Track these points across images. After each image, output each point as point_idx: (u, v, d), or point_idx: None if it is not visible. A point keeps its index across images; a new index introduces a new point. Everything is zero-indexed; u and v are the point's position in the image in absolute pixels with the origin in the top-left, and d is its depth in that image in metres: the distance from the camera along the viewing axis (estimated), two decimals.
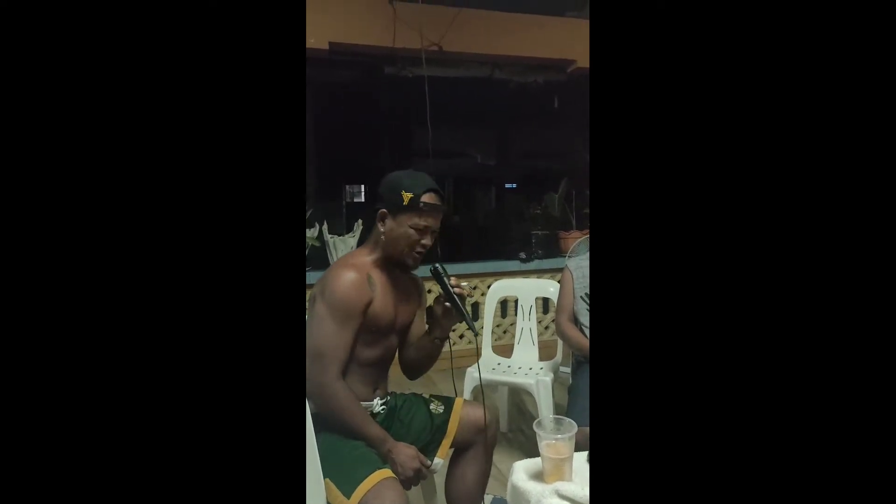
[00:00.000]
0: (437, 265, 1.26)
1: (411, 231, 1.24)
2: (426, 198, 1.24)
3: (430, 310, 1.34)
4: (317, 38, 2.97)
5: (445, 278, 1.25)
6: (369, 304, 1.24)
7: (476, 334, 1.31)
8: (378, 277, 1.28)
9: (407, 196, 1.22)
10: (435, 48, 3.14)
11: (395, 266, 1.30)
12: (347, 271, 1.24)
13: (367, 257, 1.30)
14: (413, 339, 1.41)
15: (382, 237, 1.27)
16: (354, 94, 3.59)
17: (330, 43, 3.02)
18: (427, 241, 1.27)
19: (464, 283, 1.29)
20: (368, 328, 1.25)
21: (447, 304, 1.27)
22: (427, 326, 1.36)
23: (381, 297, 1.27)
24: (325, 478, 1.05)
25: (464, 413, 1.37)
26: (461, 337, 3.36)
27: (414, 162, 3.58)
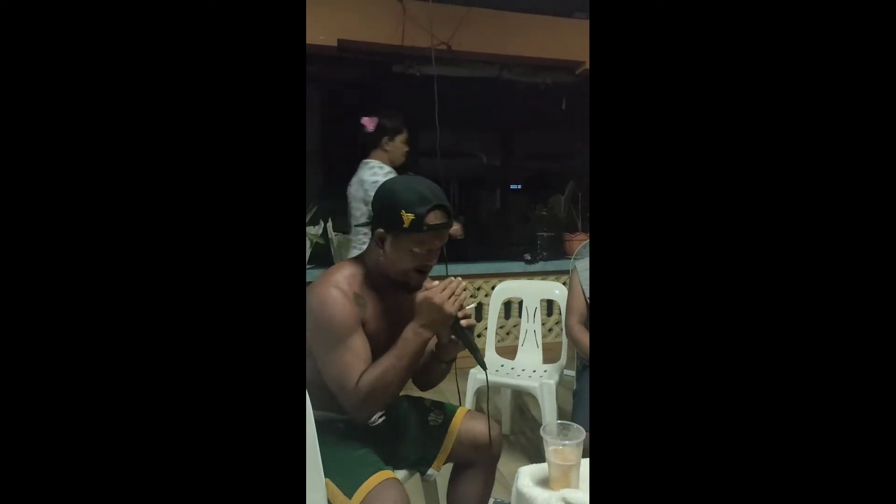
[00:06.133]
0: None
1: (412, 255, 1.09)
2: (431, 218, 1.06)
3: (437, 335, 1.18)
4: (326, 34, 2.96)
5: None
6: (362, 324, 1.10)
7: (485, 369, 1.14)
8: (370, 297, 1.14)
9: (408, 217, 1.04)
10: (444, 47, 3.13)
11: (394, 287, 1.17)
12: (327, 290, 1.08)
13: (357, 274, 1.15)
14: (424, 357, 1.23)
15: (381, 259, 1.13)
16: (362, 92, 3.58)
17: (339, 40, 3.01)
18: (432, 262, 1.13)
19: (470, 307, 1.14)
20: None
21: (453, 336, 1.14)
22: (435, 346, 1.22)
23: (375, 318, 1.14)
24: (326, 478, 1.04)
25: (464, 428, 1.28)
26: None
27: (420, 162, 3.56)
